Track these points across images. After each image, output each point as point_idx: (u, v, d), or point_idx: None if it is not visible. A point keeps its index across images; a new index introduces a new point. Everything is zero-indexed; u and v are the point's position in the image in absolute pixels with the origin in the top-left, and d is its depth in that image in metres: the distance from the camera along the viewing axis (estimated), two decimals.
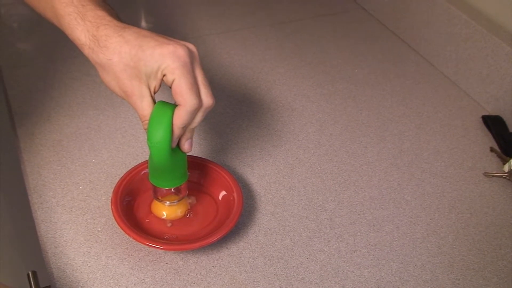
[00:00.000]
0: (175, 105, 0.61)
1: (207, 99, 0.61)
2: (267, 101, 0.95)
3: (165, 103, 0.62)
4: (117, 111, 0.89)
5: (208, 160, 0.76)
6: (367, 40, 1.16)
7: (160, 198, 0.69)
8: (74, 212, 0.73)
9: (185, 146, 0.64)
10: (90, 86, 0.93)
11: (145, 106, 0.60)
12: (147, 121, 0.60)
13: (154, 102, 0.61)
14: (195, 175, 0.75)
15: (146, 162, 0.74)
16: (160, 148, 0.61)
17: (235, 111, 0.92)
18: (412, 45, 1.15)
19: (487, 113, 0.98)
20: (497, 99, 0.97)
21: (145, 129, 0.62)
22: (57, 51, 1.01)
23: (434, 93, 1.02)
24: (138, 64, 0.58)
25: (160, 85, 0.60)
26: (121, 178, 0.72)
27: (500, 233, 0.77)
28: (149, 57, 0.58)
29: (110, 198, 0.70)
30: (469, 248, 0.74)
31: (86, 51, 0.60)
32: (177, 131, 0.61)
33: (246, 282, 0.67)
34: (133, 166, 0.74)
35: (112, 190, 0.70)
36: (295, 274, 0.68)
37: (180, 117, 0.60)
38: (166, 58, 0.58)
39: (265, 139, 0.88)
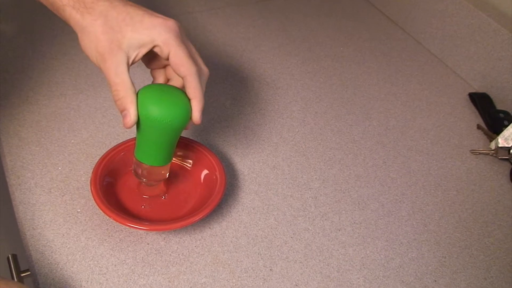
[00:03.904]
0: (170, 85, 0.61)
1: (204, 68, 0.61)
2: (251, 79, 0.94)
3: (157, 84, 0.61)
4: (97, 91, 0.87)
5: (190, 139, 0.75)
6: (353, 17, 1.14)
7: (143, 177, 0.67)
8: (53, 193, 0.71)
9: (199, 117, 0.62)
10: (69, 66, 0.91)
11: (120, 73, 0.57)
12: (118, 90, 0.58)
13: (129, 74, 0.58)
14: (178, 154, 0.74)
15: (126, 142, 0.72)
16: (175, 124, 0.59)
17: (218, 89, 0.91)
18: (398, 22, 1.13)
19: (474, 91, 0.97)
20: (484, 76, 0.96)
21: (114, 100, 0.59)
22: (35, 31, 0.98)
23: (420, 71, 1.01)
24: (123, 29, 0.56)
25: (140, 58, 0.59)
26: (101, 158, 0.70)
27: (487, 210, 0.76)
28: (138, 25, 0.57)
29: (89, 178, 0.68)
30: (455, 225, 0.74)
31: (68, 12, 0.58)
32: (201, 103, 0.59)
33: (229, 262, 0.65)
34: (113, 146, 0.72)
35: (92, 170, 0.68)
36: (279, 253, 0.67)
37: (196, 88, 0.59)
38: (157, 28, 0.57)
39: (249, 117, 0.86)
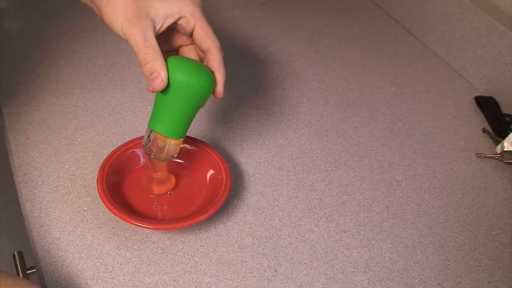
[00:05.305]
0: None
1: None
2: (257, 80, 0.94)
3: (180, 56, 0.63)
4: (104, 90, 0.87)
5: (196, 139, 0.75)
6: (359, 20, 1.14)
7: (152, 149, 0.65)
8: (59, 191, 0.71)
9: (222, 90, 0.64)
10: (77, 64, 0.92)
11: (148, 38, 0.57)
12: (147, 53, 0.57)
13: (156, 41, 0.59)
14: (184, 154, 0.74)
15: (133, 141, 0.72)
16: (204, 92, 0.60)
17: (225, 90, 0.90)
18: (405, 25, 1.13)
19: (480, 94, 0.97)
20: (490, 80, 0.96)
21: (143, 65, 0.58)
22: (43, 29, 0.99)
23: (426, 74, 1.01)
24: None
25: (164, 29, 0.59)
26: (107, 156, 0.70)
27: (492, 214, 0.76)
28: None
29: (96, 177, 0.68)
30: (460, 229, 0.74)
31: None
32: (224, 76, 0.62)
33: (234, 262, 0.66)
34: (120, 144, 0.73)
35: (98, 168, 0.69)
36: (283, 254, 0.67)
37: (220, 61, 0.61)
38: (185, 0, 0.58)
39: (255, 118, 0.86)
